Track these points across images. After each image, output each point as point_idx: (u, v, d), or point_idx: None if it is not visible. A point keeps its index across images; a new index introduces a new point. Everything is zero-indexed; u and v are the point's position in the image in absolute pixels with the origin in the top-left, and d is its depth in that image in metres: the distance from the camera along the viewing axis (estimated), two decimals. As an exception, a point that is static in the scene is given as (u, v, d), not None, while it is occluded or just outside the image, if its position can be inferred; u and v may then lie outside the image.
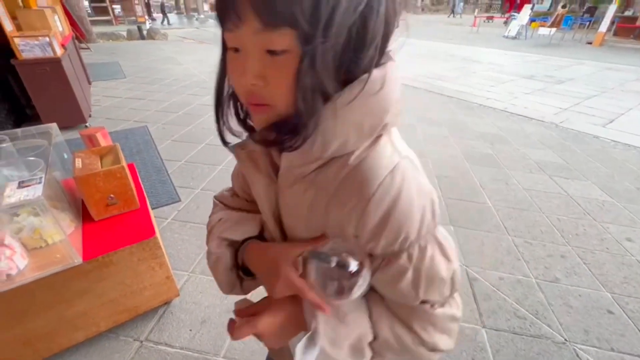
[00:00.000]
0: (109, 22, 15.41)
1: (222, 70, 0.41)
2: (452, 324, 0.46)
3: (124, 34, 10.58)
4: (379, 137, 0.40)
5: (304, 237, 0.46)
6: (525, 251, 1.98)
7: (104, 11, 15.80)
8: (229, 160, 2.85)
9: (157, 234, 1.32)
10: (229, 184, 0.64)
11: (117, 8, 15.84)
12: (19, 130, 1.42)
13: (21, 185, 1.05)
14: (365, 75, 0.36)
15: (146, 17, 16.56)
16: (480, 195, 2.53)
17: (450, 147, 3.34)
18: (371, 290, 0.47)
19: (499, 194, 2.55)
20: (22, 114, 3.53)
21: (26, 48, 2.90)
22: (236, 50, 0.36)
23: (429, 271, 0.41)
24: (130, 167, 1.62)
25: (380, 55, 0.37)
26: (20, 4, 3.37)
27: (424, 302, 0.44)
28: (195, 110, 4.08)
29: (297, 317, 0.45)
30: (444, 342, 0.46)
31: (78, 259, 1.14)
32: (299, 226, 0.46)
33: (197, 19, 17.37)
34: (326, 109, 0.36)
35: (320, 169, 0.40)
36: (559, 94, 5.31)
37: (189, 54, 8.04)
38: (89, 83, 4.87)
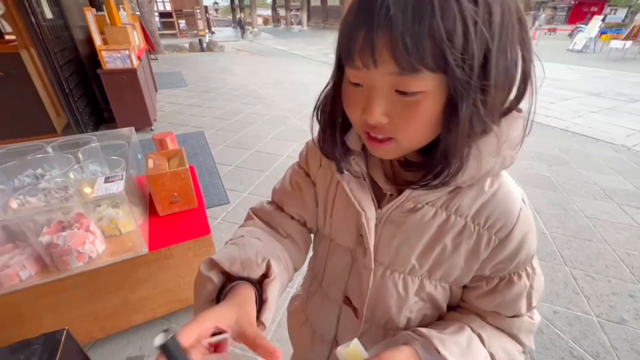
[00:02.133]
0: (174, 36, 16.99)
1: (334, 99, 0.41)
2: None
3: (187, 46, 11.58)
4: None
5: (407, 265, 0.45)
6: (586, 285, 1.80)
7: (171, 25, 17.47)
8: (275, 167, 2.98)
9: (211, 233, 1.43)
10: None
11: (182, 23, 17.42)
12: (104, 132, 1.64)
13: (107, 180, 1.21)
14: (519, 114, 0.38)
15: (206, 30, 18.02)
16: (536, 220, 2.36)
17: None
18: (466, 315, 0.47)
19: (556, 219, 2.36)
20: (101, 116, 4.01)
21: (110, 60, 3.33)
22: (357, 84, 0.35)
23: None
24: (191, 169, 1.78)
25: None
26: (108, 22, 3.88)
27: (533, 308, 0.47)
28: (246, 118, 4.33)
29: None
30: (533, 344, 0.48)
31: (145, 249, 1.28)
32: (410, 253, 0.45)
33: (250, 32, 18.47)
34: (483, 143, 0.36)
35: (453, 195, 0.41)
36: (633, 113, 4.78)
37: (243, 65, 8.56)
38: (156, 90, 5.40)
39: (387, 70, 0.31)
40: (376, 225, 0.45)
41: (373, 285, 0.48)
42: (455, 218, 0.42)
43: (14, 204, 1.14)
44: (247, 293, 0.39)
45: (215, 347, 0.33)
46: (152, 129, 3.83)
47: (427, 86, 0.31)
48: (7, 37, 3.73)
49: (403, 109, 0.34)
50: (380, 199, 0.46)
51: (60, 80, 3.05)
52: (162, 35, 13.02)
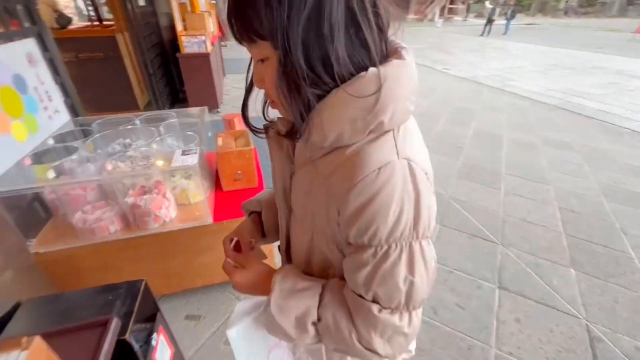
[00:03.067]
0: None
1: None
2: (396, 335, 0.45)
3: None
4: (383, 133, 0.41)
5: (301, 214, 0.52)
6: (681, 324, 1.53)
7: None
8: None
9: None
10: None
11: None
12: (180, 110, 1.79)
13: (184, 153, 1.33)
14: (363, 74, 0.38)
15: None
16: (619, 241, 2.06)
17: (583, 178, 2.80)
18: (336, 278, 0.52)
19: (647, 244, 2.03)
20: (176, 96, 4.40)
21: (188, 44, 3.60)
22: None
23: (386, 274, 0.42)
24: (254, 150, 1.87)
25: (373, 53, 0.39)
26: (189, 9, 4.19)
27: (375, 301, 0.45)
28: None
29: (265, 283, 0.54)
30: (382, 347, 0.46)
31: (210, 220, 1.38)
32: (298, 204, 0.52)
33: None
34: (321, 104, 0.40)
35: (324, 156, 0.45)
36: None
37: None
38: (224, 75, 5.74)
39: (245, 45, 0.41)
40: (291, 177, 0.53)
41: (291, 228, 0.59)
42: (318, 176, 0.46)
43: (109, 167, 1.31)
44: (249, 222, 0.71)
45: (239, 249, 0.68)
46: (218, 111, 4.10)
47: (266, 53, 0.39)
48: (105, 22, 4.25)
49: (265, 74, 0.42)
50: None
51: (146, 62, 3.39)
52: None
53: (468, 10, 25.29)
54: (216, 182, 1.64)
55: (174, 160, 1.29)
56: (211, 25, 4.55)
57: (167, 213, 1.36)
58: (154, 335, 0.95)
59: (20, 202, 1.23)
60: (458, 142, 3.44)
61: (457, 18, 24.11)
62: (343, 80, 0.39)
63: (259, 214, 0.72)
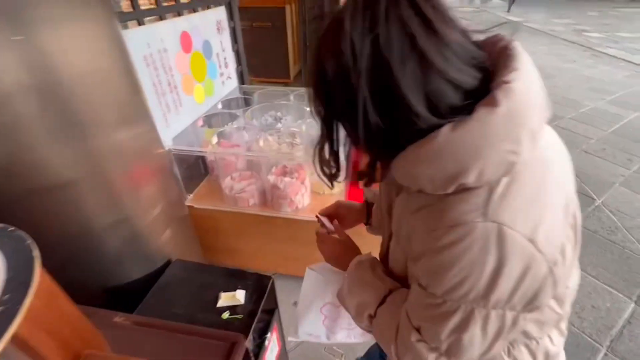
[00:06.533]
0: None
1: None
2: None
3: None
4: (473, 188, 0.35)
5: (396, 233, 0.50)
6: None
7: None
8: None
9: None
10: None
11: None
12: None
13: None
14: (434, 134, 0.34)
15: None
16: None
17: None
18: (405, 289, 0.50)
19: None
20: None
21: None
22: None
23: (435, 317, 0.40)
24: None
25: (444, 109, 0.34)
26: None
27: (417, 330, 0.43)
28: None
29: (346, 259, 0.58)
30: None
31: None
32: (396, 224, 0.49)
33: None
34: (398, 159, 0.38)
35: (414, 192, 0.41)
36: None
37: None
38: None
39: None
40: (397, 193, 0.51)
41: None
42: (408, 203, 0.44)
43: (261, 142, 1.32)
44: (361, 207, 0.75)
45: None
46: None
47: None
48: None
49: None
50: None
51: (305, 33, 3.49)
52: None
53: None
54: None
55: (321, 149, 1.20)
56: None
57: (301, 200, 1.31)
58: (268, 335, 0.90)
59: (188, 160, 1.36)
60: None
61: None
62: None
63: (370, 205, 0.72)
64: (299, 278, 1.69)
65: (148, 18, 1.10)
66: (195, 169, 1.46)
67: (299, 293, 0.69)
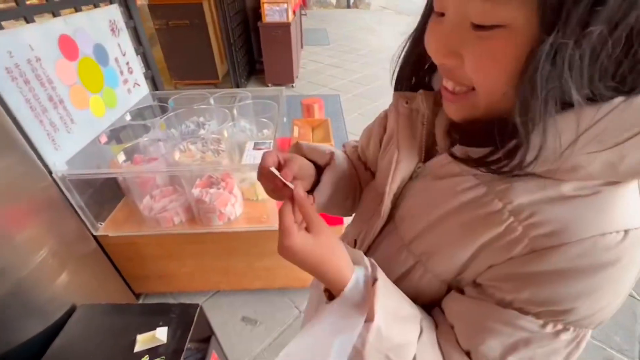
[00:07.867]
0: (324, -9, 17.20)
1: (418, 32, 0.36)
2: None
3: (334, 1, 11.48)
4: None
5: (413, 234, 0.39)
6: None
7: (323, -20, 17.70)
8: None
9: (344, 224, 1.27)
10: None
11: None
12: (256, 89, 1.61)
13: (256, 147, 1.14)
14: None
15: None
16: None
17: None
18: (430, 318, 0.39)
19: None
20: (253, 67, 4.33)
21: (270, 12, 3.41)
22: (442, 14, 0.30)
23: (536, 357, 0.31)
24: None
25: None
26: (273, -27, 3.96)
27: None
28: (385, 85, 3.98)
29: (333, 267, 0.36)
30: None
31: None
32: (420, 221, 0.38)
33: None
34: (561, 121, 0.25)
35: (510, 179, 0.31)
36: None
37: (387, 24, 7.95)
38: (302, 47, 5.51)
39: None
40: (411, 177, 0.41)
41: (379, 239, 0.45)
42: (494, 199, 0.32)
43: (177, 153, 1.19)
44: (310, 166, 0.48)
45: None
46: (292, 86, 3.92)
47: (510, 18, 0.24)
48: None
49: (477, 48, 0.27)
50: (431, 155, 0.40)
51: (228, 30, 3.31)
52: (313, -10, 13.29)
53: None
54: (287, 175, 1.45)
55: (245, 155, 1.12)
56: (294, -9, 4.28)
57: (232, 210, 1.21)
58: (206, 365, 0.81)
59: (94, 183, 1.18)
60: None
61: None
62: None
63: (319, 168, 0.49)
64: (245, 292, 1.60)
65: (5, 22, 0.90)
66: (107, 193, 1.28)
67: (246, 309, 0.55)
